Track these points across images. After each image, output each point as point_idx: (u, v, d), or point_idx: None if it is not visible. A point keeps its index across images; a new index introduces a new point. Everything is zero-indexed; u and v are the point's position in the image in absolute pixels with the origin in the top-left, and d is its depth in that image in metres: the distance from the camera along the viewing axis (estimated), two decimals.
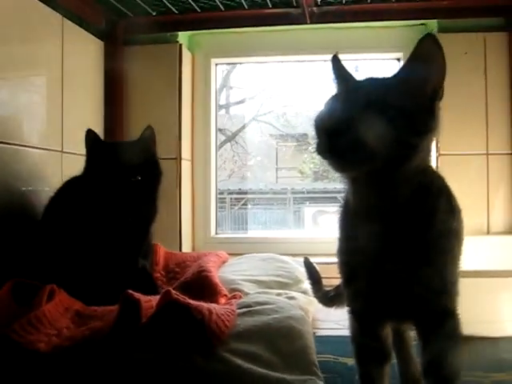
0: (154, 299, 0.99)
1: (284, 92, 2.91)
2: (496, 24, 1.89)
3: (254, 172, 3.16)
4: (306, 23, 1.90)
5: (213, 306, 0.98)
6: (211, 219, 2.13)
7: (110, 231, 1.30)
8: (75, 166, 1.42)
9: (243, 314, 1.04)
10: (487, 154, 1.88)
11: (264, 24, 1.99)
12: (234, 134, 3.04)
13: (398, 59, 2.13)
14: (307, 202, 2.96)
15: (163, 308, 0.90)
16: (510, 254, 1.65)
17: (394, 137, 0.64)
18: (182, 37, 2.06)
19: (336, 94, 0.74)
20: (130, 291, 0.95)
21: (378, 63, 2.37)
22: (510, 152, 1.87)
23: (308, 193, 3.04)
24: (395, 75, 0.70)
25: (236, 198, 2.99)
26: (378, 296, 0.71)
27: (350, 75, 0.76)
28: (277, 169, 3.18)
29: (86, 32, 1.83)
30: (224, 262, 1.60)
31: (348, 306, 0.77)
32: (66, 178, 1.45)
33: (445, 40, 1.91)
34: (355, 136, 0.65)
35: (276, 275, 1.46)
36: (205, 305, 0.95)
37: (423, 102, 0.67)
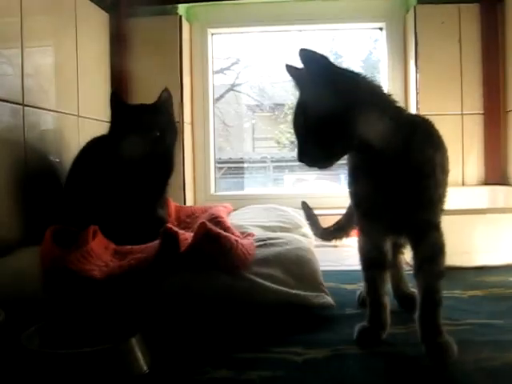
0: (188, 234, 1.17)
1: (260, 62, 2.92)
2: None
3: (231, 142, 3.16)
4: None
5: (237, 237, 1.17)
6: (211, 178, 2.31)
7: (133, 183, 1.45)
8: (89, 130, 1.56)
9: (259, 246, 1.22)
10: (462, 114, 2.08)
11: None
12: None
13: (381, 28, 2.31)
14: (286, 171, 3.03)
15: (200, 237, 1.08)
16: (481, 200, 1.89)
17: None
18: (181, 8, 2.20)
19: (296, 102, 0.89)
20: (169, 225, 1.13)
21: (357, 32, 2.54)
22: (482, 112, 2.07)
23: (287, 161, 3.08)
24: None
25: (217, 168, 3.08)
26: (380, 215, 0.90)
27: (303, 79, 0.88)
28: (253, 139, 3.23)
29: (94, 4, 1.96)
30: (229, 213, 1.78)
31: (358, 225, 0.97)
32: (82, 141, 1.60)
33: (424, 11, 2.13)
34: (305, 145, 0.84)
35: (278, 221, 1.65)
36: (232, 236, 1.14)
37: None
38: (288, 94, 3.01)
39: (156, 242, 1.16)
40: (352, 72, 0.87)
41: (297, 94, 0.89)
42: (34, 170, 1.51)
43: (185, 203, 2.10)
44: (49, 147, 1.61)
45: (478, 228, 1.43)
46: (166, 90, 1.51)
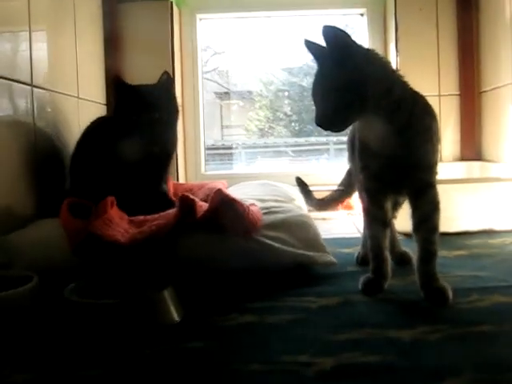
0: (202, 202, 1.27)
1: (229, 49, 2.95)
2: None
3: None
4: None
5: (247, 204, 1.27)
6: (202, 158, 2.40)
7: (139, 158, 1.53)
8: (88, 111, 1.61)
9: (265, 213, 1.33)
10: (439, 96, 2.22)
11: None
12: None
13: (362, 14, 2.43)
14: (258, 157, 3.09)
15: (216, 203, 1.18)
16: (459, 173, 2.04)
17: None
18: None
19: (315, 73, 1.01)
20: (186, 194, 1.23)
21: (343, 18, 2.66)
22: (458, 93, 2.22)
23: (260, 147, 3.13)
24: None
25: None
26: (387, 176, 1.03)
27: (322, 53, 0.99)
28: (222, 126, 3.27)
29: None
30: (226, 188, 1.88)
31: (364, 185, 1.08)
32: (81, 121, 1.67)
33: None
34: (324, 112, 0.96)
35: (273, 195, 1.74)
36: (243, 202, 1.24)
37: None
38: (256, 81, 3.11)
39: (173, 210, 1.25)
40: (367, 49, 0.99)
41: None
42: (43, 148, 1.58)
43: (177, 181, 2.19)
44: (53, 126, 1.68)
45: (458, 197, 1.57)
46: (165, 72, 1.59)
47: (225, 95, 3.19)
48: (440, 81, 2.22)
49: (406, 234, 1.25)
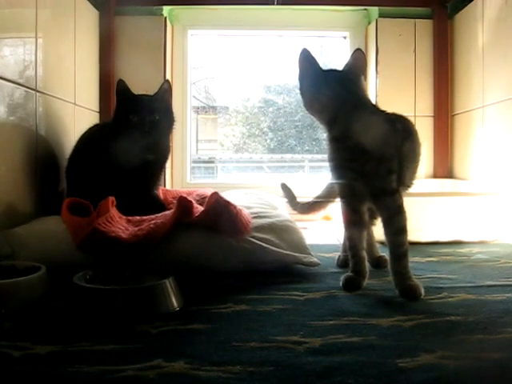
0: (198, 205, 1.37)
1: (207, 64, 3.03)
2: (425, 13, 2.38)
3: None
4: (273, 4, 2.29)
5: (239, 208, 1.38)
6: (187, 167, 2.50)
7: (136, 162, 1.59)
8: (83, 117, 1.68)
9: (253, 217, 1.44)
10: (415, 116, 2.37)
11: (237, 3, 2.37)
12: None
13: (345, 37, 2.58)
14: (234, 171, 3.15)
15: (212, 204, 1.28)
16: (432, 189, 2.18)
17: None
18: (165, 10, 2.39)
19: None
20: (184, 195, 1.33)
21: (327, 40, 2.80)
22: (432, 115, 2.38)
23: (237, 162, 3.18)
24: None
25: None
26: (353, 184, 1.16)
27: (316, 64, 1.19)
28: (197, 140, 3.25)
29: (87, 2, 2.13)
30: None
31: (339, 194, 1.21)
32: (77, 126, 1.75)
33: (384, 23, 2.40)
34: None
35: (258, 203, 1.85)
36: (236, 205, 1.35)
37: None
38: (233, 97, 3.21)
39: (170, 211, 1.35)
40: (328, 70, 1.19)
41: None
42: (43, 150, 1.66)
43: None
44: (52, 130, 1.77)
45: (429, 209, 1.70)
46: (166, 81, 1.69)
47: (201, 110, 3.23)
48: (416, 102, 2.37)
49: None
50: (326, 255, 1.53)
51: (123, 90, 1.64)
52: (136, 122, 1.58)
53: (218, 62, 3.02)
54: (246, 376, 0.72)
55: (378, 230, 1.30)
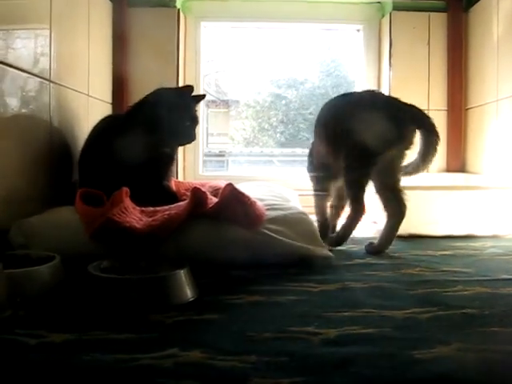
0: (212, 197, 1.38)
1: (218, 57, 3.04)
2: (439, 6, 2.36)
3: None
4: None
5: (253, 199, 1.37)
6: (200, 160, 2.50)
7: (151, 156, 1.62)
8: (96, 109, 1.69)
9: (266, 209, 1.44)
10: (428, 110, 2.34)
11: None
12: None
13: (358, 30, 2.56)
14: (245, 165, 3.18)
15: (227, 195, 1.28)
16: (445, 183, 2.16)
17: None
18: (178, 2, 2.38)
19: None
20: (198, 186, 1.33)
21: (341, 33, 2.79)
22: (445, 108, 2.36)
23: (247, 155, 3.26)
24: None
25: None
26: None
27: None
28: (207, 134, 3.29)
29: None
30: None
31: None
32: (91, 118, 1.76)
33: (398, 16, 2.38)
34: None
35: (271, 195, 1.85)
36: (250, 196, 1.34)
37: None
38: (244, 91, 3.20)
39: (184, 202, 1.35)
40: None
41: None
42: (57, 141, 1.67)
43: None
44: (66, 121, 1.77)
45: (443, 203, 1.69)
46: (189, 86, 1.69)
47: (212, 103, 3.25)
48: (429, 96, 2.35)
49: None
50: (340, 248, 1.53)
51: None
52: (170, 117, 1.60)
53: (229, 55, 3.02)
54: (261, 366, 0.72)
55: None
